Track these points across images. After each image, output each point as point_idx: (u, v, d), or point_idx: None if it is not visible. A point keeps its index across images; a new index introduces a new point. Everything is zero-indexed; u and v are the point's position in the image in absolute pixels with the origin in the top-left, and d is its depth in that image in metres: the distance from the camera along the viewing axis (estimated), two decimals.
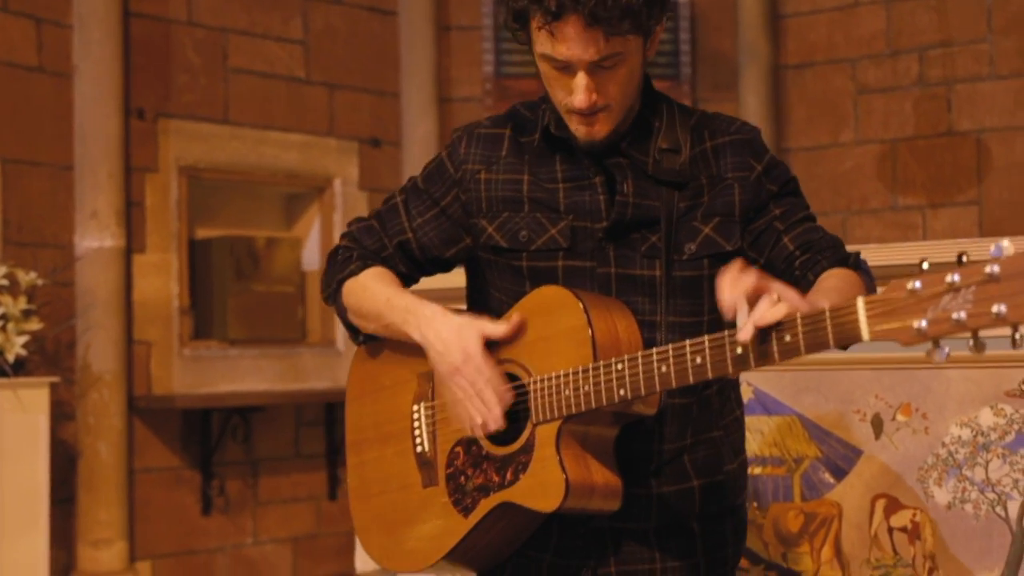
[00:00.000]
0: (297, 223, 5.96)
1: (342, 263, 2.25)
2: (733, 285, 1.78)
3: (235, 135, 5.55)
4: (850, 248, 2.11)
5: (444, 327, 2.07)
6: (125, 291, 5.24)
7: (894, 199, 5.81)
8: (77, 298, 5.15)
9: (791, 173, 2.17)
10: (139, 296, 5.30)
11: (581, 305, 1.98)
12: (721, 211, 2.09)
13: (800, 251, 2.07)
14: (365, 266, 2.23)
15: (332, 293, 2.26)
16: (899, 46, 5.84)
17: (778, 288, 1.77)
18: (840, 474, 4.01)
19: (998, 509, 3.71)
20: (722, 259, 2.05)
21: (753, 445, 4.18)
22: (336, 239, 2.10)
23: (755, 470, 4.14)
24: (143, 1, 5.31)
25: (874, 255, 3.66)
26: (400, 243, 2.24)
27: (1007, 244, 1.53)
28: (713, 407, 2.18)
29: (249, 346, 5.59)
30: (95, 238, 5.15)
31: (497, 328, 2.05)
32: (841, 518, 3.97)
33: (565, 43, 1.97)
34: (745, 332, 1.75)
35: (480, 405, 2.03)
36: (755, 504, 4.14)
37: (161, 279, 5.36)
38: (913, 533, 3.84)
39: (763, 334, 1.75)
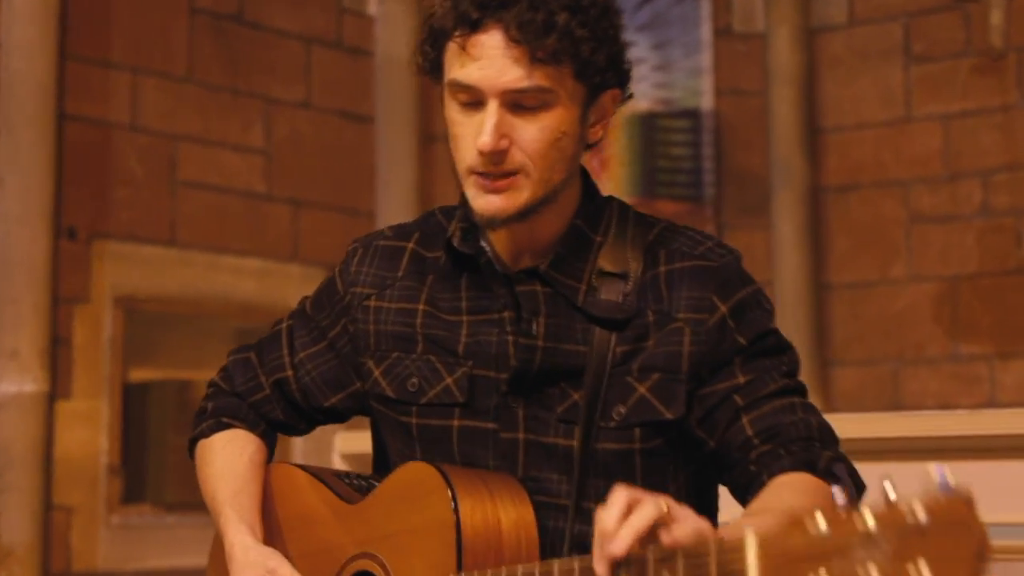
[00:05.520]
0: None
1: (198, 415, 2.02)
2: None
3: (182, 259, 5.02)
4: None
5: (235, 565, 1.86)
6: (45, 445, 4.59)
7: (955, 347, 5.45)
8: None
9: (771, 323, 1.83)
10: (61, 452, 4.64)
11: (450, 494, 1.71)
12: (663, 365, 1.75)
13: (760, 439, 1.74)
14: (218, 426, 1.98)
15: (189, 452, 2.05)
16: (959, 168, 5.51)
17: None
18: None
19: None
20: (659, 429, 1.76)
21: None
22: None
23: None
24: (81, 101, 4.74)
25: (925, 424, 3.43)
26: (277, 382, 1.97)
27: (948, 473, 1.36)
28: None
29: (189, 512, 4.86)
30: (14, 382, 4.49)
31: None
32: None
33: (480, 61, 1.68)
34: (619, 545, 1.41)
35: None
36: None
37: (88, 431, 4.73)
38: None
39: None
